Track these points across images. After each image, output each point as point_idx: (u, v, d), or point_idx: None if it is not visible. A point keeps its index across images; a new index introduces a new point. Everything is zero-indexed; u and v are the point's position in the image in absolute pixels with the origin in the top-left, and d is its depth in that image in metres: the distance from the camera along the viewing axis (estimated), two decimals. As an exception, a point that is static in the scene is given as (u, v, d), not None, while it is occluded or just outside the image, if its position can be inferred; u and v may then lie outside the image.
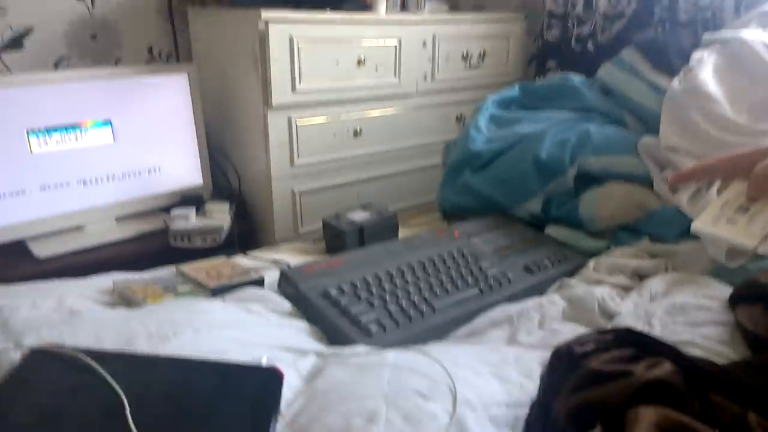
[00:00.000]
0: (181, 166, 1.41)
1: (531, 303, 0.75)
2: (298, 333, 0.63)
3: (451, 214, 1.06)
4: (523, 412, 0.47)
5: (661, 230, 0.87)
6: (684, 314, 0.69)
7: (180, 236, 1.24)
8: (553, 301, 0.76)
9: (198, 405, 0.43)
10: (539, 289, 0.80)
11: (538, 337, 0.69)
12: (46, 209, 1.24)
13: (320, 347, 0.59)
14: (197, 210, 1.32)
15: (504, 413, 0.46)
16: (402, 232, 0.99)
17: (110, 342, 0.53)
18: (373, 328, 0.63)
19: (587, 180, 0.95)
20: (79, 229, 1.30)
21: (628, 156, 0.92)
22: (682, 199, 0.84)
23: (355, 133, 1.39)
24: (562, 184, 0.94)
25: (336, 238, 0.91)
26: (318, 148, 1.36)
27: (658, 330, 0.68)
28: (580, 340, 0.55)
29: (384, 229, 0.93)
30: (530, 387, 0.49)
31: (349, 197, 1.41)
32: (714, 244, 0.77)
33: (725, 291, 0.73)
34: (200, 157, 1.42)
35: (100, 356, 0.48)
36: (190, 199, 1.35)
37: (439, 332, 0.68)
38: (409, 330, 0.65)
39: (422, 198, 1.52)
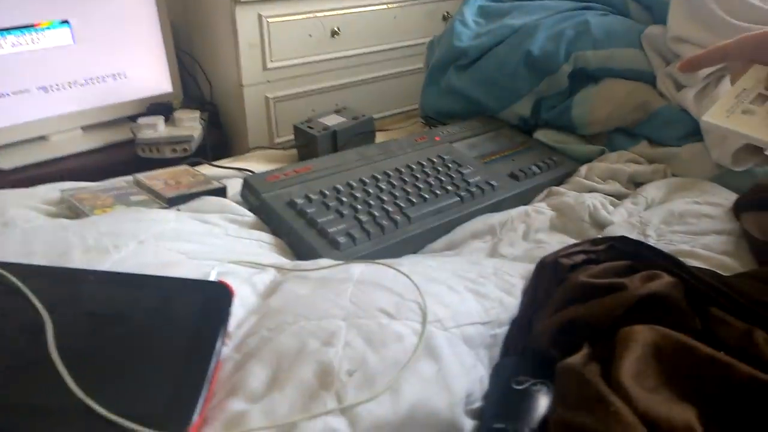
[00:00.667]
0: (149, 71, 1.28)
1: (515, 212, 0.67)
2: (259, 246, 0.55)
3: (434, 119, 0.96)
4: (502, 331, 0.41)
5: (662, 133, 0.78)
6: (683, 223, 0.63)
7: (148, 146, 1.14)
8: (540, 210, 0.69)
9: (131, 325, 0.37)
10: (526, 198, 0.73)
11: (522, 249, 0.63)
12: (6, 118, 1.14)
13: (282, 261, 0.52)
14: (166, 119, 1.20)
15: (480, 332, 0.39)
16: (380, 138, 0.89)
17: (41, 256, 0.46)
18: (342, 239, 0.56)
19: (584, 79, 0.85)
20: (43, 139, 1.20)
21: (630, 49, 0.81)
22: (688, 96, 0.75)
23: (333, 33, 1.25)
24: (555, 83, 0.83)
25: (307, 145, 0.81)
26: (293, 50, 1.22)
27: (653, 240, 0.61)
28: (567, 251, 0.48)
29: (360, 134, 0.84)
30: (511, 303, 0.43)
31: (327, 105, 1.29)
32: (722, 144, 0.69)
33: (730, 197, 0.66)
34: (168, 62, 1.29)
35: (25, 271, 0.40)
36: (159, 107, 1.23)
37: (415, 244, 0.61)
38: (382, 242, 0.58)
39: (406, 105, 1.41)
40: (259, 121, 1.23)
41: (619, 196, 0.73)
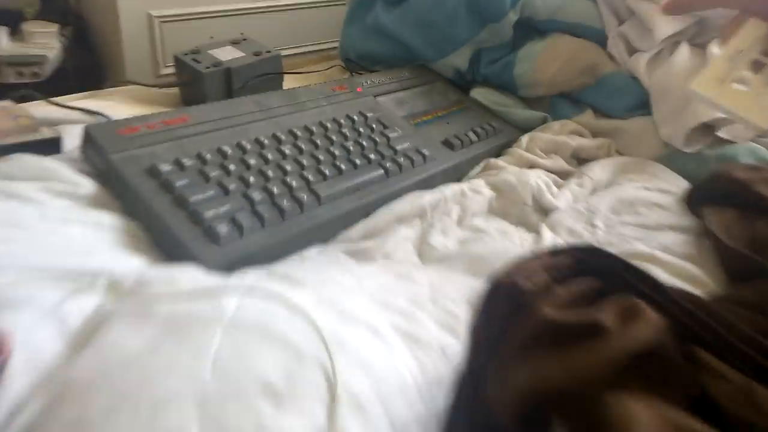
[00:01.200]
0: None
1: (449, 191, 0.54)
2: (97, 237, 0.37)
3: (357, 64, 0.79)
4: (442, 392, 0.28)
5: (609, 102, 0.68)
6: (633, 212, 0.53)
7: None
8: (478, 190, 0.56)
9: None
10: (460, 171, 0.60)
11: (456, 238, 0.50)
12: None
13: (128, 266, 0.35)
14: (12, 32, 0.91)
15: (415, 402, 0.26)
16: (289, 84, 0.71)
17: None
18: (222, 229, 0.39)
19: (530, 32, 0.71)
20: None
21: (582, 0, 0.69)
22: (640, 62, 0.64)
23: (237, -58, 1.00)
24: (498, 33, 0.69)
25: (191, 84, 0.61)
26: (184, -44, 0.96)
27: (602, 233, 0.51)
28: (527, 269, 0.35)
29: (262, 76, 0.65)
30: (455, 349, 0.30)
31: (228, 32, 1.05)
32: (675, 121, 0.59)
33: (680, 184, 0.57)
34: (14, -47, 0.97)
35: None
36: (2, 15, 0.93)
37: (325, 233, 0.46)
38: (281, 231, 0.42)
39: (324, 42, 1.20)
40: (139, 44, 0.97)
41: (562, 174, 0.62)
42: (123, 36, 0.95)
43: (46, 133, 0.47)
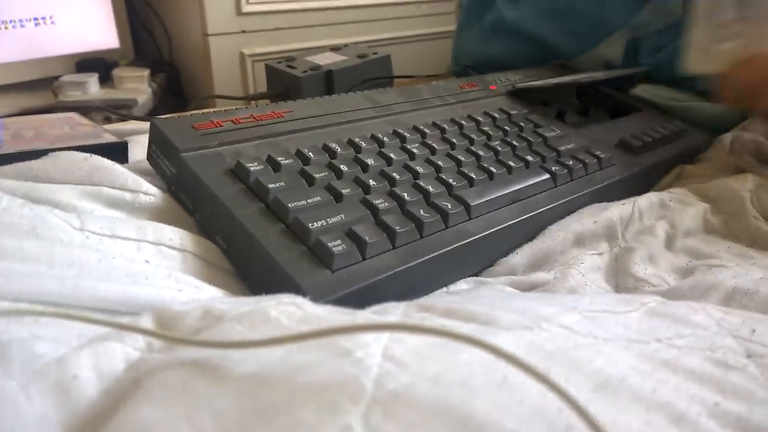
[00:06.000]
0: (86, 18, 0.97)
1: (644, 202, 0.38)
2: (151, 260, 0.25)
3: (474, 69, 0.66)
4: None
5: None
6: None
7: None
8: (683, 199, 0.39)
9: None
10: (644, 182, 0.44)
11: (670, 268, 0.33)
12: None
13: (188, 299, 0.22)
14: (103, 78, 0.90)
15: None
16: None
17: None
18: (336, 246, 0.26)
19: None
20: (-59, 103, 0.89)
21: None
22: None
23: (331, -28, 0.95)
24: (665, 11, 0.54)
25: (286, 93, 0.51)
26: (276, -10, 0.92)
27: None
28: None
29: (369, 80, 0.54)
30: None
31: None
32: None
33: None
34: (113, 6, 0.98)
35: None
36: (92, 62, 0.93)
37: (477, 256, 0.31)
38: (418, 252, 0.28)
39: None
40: (231, 84, 0.93)
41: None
42: (215, 75, 0.90)
43: (107, 138, 0.38)
